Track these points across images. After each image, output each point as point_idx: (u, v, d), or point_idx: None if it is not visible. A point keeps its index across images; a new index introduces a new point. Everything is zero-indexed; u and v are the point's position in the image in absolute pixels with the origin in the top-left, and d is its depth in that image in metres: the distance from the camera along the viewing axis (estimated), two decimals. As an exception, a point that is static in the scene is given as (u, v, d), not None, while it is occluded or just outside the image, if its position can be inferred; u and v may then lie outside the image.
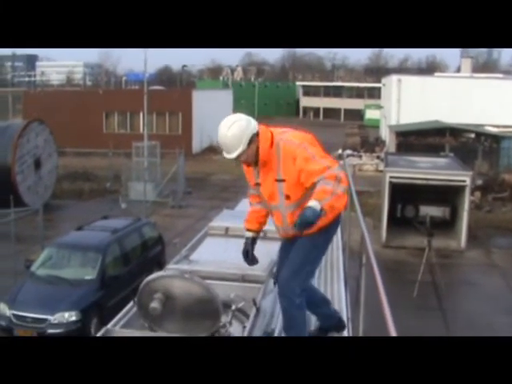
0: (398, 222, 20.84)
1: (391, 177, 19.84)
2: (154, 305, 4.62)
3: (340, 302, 6.00)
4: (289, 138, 4.69)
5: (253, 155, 4.67)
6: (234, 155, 4.60)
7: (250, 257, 5.17)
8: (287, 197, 4.74)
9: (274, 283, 5.18)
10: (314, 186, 4.55)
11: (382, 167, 26.67)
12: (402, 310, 13.81)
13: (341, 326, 5.31)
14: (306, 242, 4.79)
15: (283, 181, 4.69)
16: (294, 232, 4.79)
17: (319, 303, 5.21)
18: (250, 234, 5.22)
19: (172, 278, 4.75)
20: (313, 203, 4.41)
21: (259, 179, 4.90)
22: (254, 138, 4.60)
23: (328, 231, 4.90)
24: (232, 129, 4.54)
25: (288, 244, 5.02)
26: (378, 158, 36.50)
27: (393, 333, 2.64)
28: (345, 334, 5.30)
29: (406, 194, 20.70)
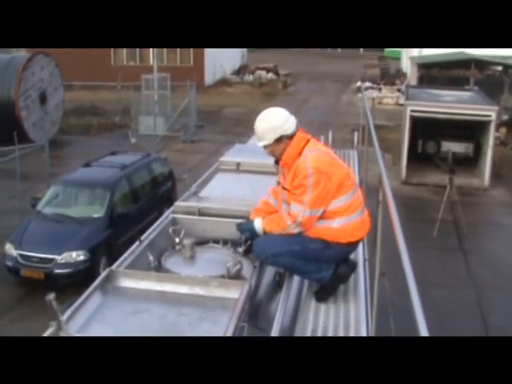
0: (418, 159, 20.68)
1: (412, 111, 19.55)
2: None
3: (356, 241, 5.93)
4: (314, 155, 4.77)
5: (279, 153, 4.90)
6: (259, 144, 4.93)
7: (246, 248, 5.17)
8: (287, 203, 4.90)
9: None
10: None
11: (402, 101, 26.40)
12: (421, 250, 13.80)
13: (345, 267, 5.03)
14: (299, 237, 4.79)
15: (286, 189, 4.87)
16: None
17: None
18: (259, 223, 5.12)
19: None
20: (258, 224, 4.94)
21: (280, 179, 5.06)
22: (284, 139, 4.83)
23: (323, 249, 4.77)
24: (264, 121, 4.88)
25: None
26: (398, 90, 36.15)
27: (410, 278, 2.56)
28: (361, 274, 5.25)
29: (427, 129, 20.47)
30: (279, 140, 4.83)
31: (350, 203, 4.76)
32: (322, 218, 4.72)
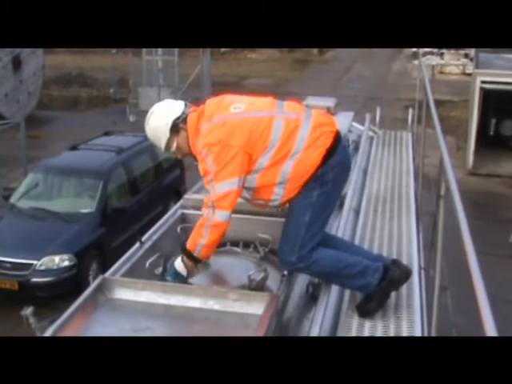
0: (490, 143, 20.52)
1: (483, 82, 19.36)
2: None
3: (410, 245, 5.91)
4: (204, 132, 4.74)
5: (185, 146, 4.94)
6: (162, 149, 5.07)
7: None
8: None
9: None
10: None
11: (470, 69, 26.22)
12: (493, 258, 13.71)
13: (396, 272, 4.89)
14: (296, 203, 4.76)
15: None
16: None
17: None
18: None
19: None
20: (177, 262, 4.78)
21: None
22: (181, 125, 4.90)
23: (324, 182, 4.72)
24: (150, 122, 4.99)
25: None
26: (465, 56, 35.90)
27: (482, 298, 2.56)
28: (416, 287, 5.26)
29: (502, 106, 20.31)
30: (176, 130, 4.87)
31: (285, 133, 4.66)
32: (272, 173, 4.66)
